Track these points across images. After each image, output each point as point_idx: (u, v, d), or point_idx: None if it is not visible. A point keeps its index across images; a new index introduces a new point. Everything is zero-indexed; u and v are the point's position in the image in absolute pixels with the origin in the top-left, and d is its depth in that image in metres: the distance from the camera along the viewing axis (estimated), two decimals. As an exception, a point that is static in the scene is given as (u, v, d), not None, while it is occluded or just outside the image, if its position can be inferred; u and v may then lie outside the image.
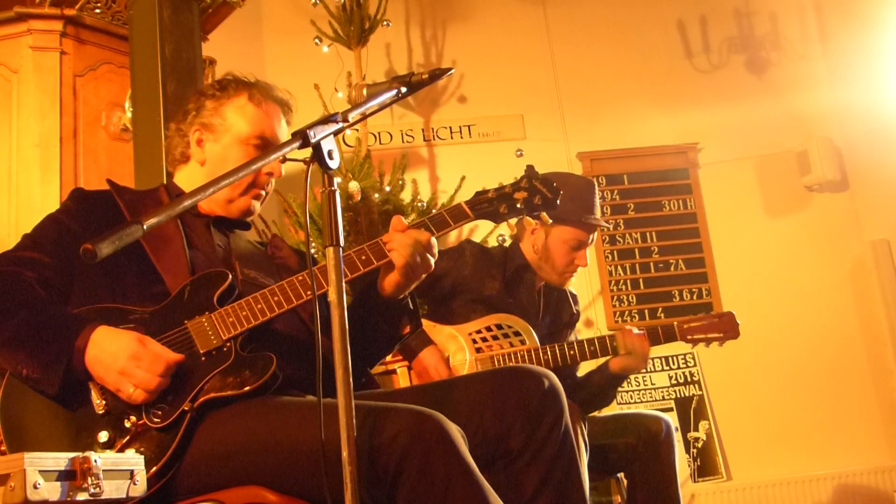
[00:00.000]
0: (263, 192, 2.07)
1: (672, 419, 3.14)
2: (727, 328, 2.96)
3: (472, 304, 3.05)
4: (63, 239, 1.89)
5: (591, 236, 3.09)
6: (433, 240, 1.85)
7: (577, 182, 3.12)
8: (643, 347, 2.93)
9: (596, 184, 3.17)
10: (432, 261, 1.85)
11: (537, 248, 3.10)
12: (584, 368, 3.18)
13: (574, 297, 3.30)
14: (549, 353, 2.90)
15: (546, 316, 3.19)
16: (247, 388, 1.70)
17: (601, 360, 3.03)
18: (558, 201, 1.88)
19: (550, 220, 1.95)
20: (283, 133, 2.10)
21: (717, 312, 3.03)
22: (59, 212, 1.97)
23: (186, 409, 1.69)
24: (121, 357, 1.67)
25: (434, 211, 4.30)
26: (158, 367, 1.68)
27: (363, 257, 1.82)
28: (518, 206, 1.88)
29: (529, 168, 1.91)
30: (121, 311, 1.79)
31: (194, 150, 2.08)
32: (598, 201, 3.10)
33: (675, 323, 2.97)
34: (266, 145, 2.04)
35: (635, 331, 2.94)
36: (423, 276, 1.86)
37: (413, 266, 1.81)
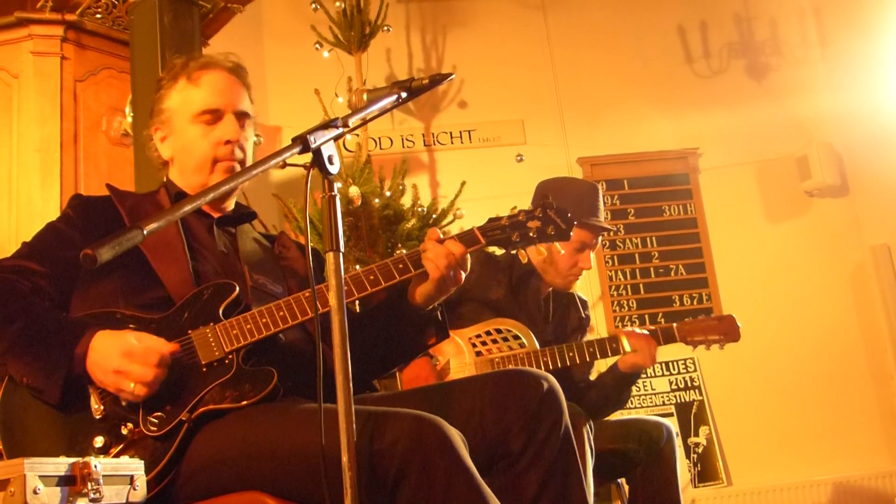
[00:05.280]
0: (236, 164, 2.00)
1: (672, 424, 3.15)
2: (727, 330, 2.98)
3: (480, 309, 3.06)
4: (61, 247, 1.88)
5: (594, 239, 3.10)
6: (467, 255, 1.86)
7: (580, 185, 3.15)
8: (649, 344, 2.95)
9: (600, 188, 3.17)
10: (463, 275, 1.87)
11: (541, 250, 3.11)
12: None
13: (583, 302, 3.31)
14: (548, 355, 2.91)
15: (552, 321, 3.20)
16: (245, 403, 1.69)
17: (605, 362, 3.06)
18: (571, 233, 1.90)
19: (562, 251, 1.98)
20: (236, 96, 2.03)
21: (717, 315, 3.04)
22: (59, 220, 1.97)
23: (184, 419, 1.68)
24: (113, 357, 1.66)
25: (434, 216, 4.33)
26: (152, 358, 1.67)
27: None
28: (531, 234, 1.88)
29: (544, 197, 1.93)
30: (123, 317, 1.79)
31: (162, 150, 2.07)
32: (601, 205, 3.12)
33: (675, 325, 3.00)
34: (217, 117, 1.99)
35: (637, 330, 2.97)
36: (453, 289, 1.88)
37: (446, 278, 1.83)
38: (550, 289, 3.20)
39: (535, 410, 1.70)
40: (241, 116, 2.03)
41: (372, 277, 1.81)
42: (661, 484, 2.92)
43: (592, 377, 3.19)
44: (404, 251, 1.88)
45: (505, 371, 1.81)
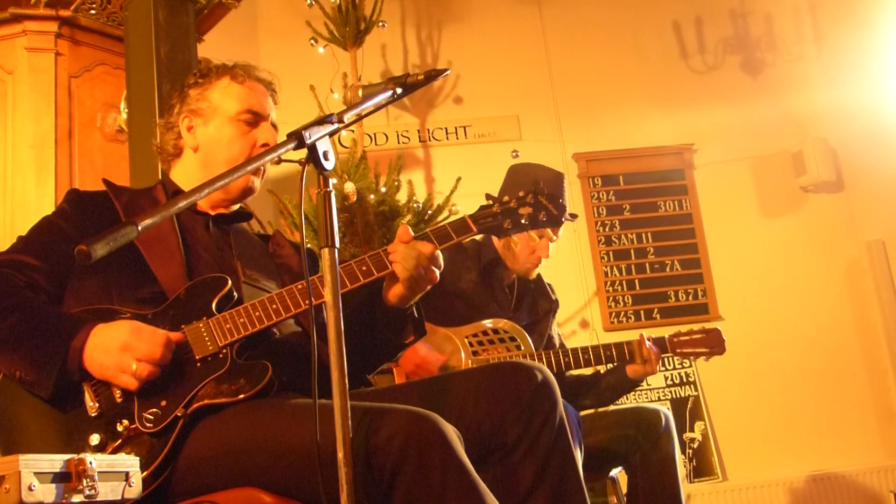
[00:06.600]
0: (262, 168, 2.04)
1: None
2: (714, 344, 3.04)
3: (449, 299, 3.05)
4: (56, 242, 1.88)
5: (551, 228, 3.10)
6: (437, 252, 1.85)
7: (543, 174, 3.10)
8: (656, 355, 3.02)
9: (565, 176, 3.15)
10: (437, 273, 1.86)
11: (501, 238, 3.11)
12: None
13: (550, 286, 3.32)
14: (544, 358, 2.93)
15: (522, 307, 3.21)
16: (241, 397, 1.69)
17: (595, 367, 3.08)
18: (563, 219, 1.89)
19: (555, 238, 1.96)
20: (271, 108, 2.10)
21: (704, 328, 3.08)
22: (55, 214, 1.97)
23: (179, 414, 1.68)
24: (122, 333, 1.68)
25: (430, 212, 4.33)
26: (159, 338, 1.69)
27: (364, 268, 1.81)
28: (522, 221, 1.88)
29: (535, 184, 1.92)
30: (116, 312, 1.79)
31: (186, 138, 2.06)
32: (566, 194, 3.09)
33: (666, 337, 3.07)
34: (256, 120, 2.04)
35: (648, 342, 3.01)
36: (428, 287, 1.87)
37: (417, 278, 1.82)
38: (514, 277, 3.21)
39: (529, 402, 1.70)
40: (273, 128, 2.08)
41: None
42: (660, 469, 2.94)
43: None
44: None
45: (499, 363, 1.81)
